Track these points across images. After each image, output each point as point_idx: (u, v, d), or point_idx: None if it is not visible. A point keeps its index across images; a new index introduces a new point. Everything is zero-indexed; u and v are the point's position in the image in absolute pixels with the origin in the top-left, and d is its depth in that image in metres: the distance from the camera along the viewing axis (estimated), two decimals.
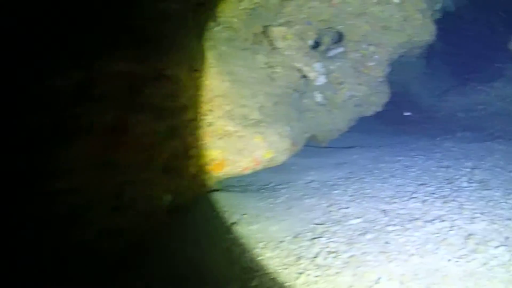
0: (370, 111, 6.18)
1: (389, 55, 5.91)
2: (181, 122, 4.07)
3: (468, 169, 5.62)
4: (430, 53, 9.31)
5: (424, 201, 4.62)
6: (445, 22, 8.86)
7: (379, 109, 6.21)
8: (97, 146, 3.17)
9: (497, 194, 4.79)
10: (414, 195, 4.80)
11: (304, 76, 5.34)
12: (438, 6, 7.53)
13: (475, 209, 4.36)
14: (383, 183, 5.26)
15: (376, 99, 6.05)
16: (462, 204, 4.47)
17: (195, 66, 4.24)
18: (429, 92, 8.98)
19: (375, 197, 4.85)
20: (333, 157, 6.68)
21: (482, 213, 4.27)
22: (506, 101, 7.41)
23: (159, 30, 3.77)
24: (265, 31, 5.06)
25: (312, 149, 6.93)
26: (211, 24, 4.44)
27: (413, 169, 5.75)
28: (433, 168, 5.76)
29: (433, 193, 4.82)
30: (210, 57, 4.41)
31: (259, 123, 4.66)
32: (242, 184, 5.48)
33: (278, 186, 5.41)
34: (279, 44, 5.08)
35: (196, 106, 4.30)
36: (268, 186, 5.48)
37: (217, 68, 4.42)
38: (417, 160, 6.17)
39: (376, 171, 5.75)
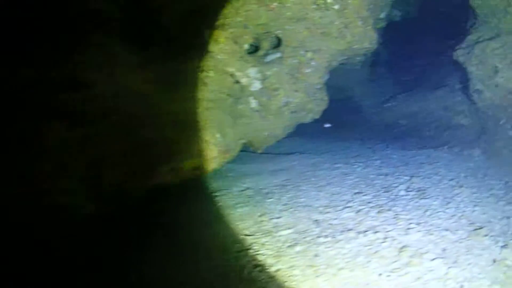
0: (308, 118, 5.87)
1: (327, 62, 5.64)
2: (100, 129, 3.70)
3: (407, 177, 5.41)
4: (375, 61, 9.19)
5: (358, 210, 4.36)
6: (391, 31, 8.76)
7: (317, 116, 5.91)
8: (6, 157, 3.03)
9: (435, 203, 4.59)
10: (349, 204, 4.54)
11: (238, 82, 4.99)
12: (382, 15, 7.34)
13: (411, 219, 4.14)
14: (319, 191, 4.98)
15: (313, 106, 5.76)
16: (397, 214, 4.23)
17: (118, 71, 3.87)
18: (372, 100, 8.84)
19: (309, 206, 4.58)
20: (272, 163, 6.37)
21: (418, 223, 4.04)
22: (448, 110, 7.29)
23: (74, 32, 3.49)
24: (199, 34, 4.69)
25: (251, 155, 6.59)
26: (142, 26, 4.07)
27: (351, 177, 5.49)
28: (372, 176, 5.52)
29: (369, 202, 4.58)
30: (135, 60, 4.03)
31: (185, 129, 4.29)
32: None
33: (212, 194, 5.03)
34: (212, 47, 4.73)
35: (118, 112, 3.90)
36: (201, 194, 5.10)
37: (143, 72, 4.03)
38: (356, 167, 5.92)
39: (313, 179, 5.46)
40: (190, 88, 4.52)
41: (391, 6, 7.23)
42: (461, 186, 5.06)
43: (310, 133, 8.41)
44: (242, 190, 5.23)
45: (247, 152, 6.03)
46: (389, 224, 4.02)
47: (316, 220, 4.17)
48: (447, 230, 3.95)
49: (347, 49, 5.69)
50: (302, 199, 4.76)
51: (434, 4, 9.47)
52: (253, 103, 5.33)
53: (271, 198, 4.91)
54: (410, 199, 4.70)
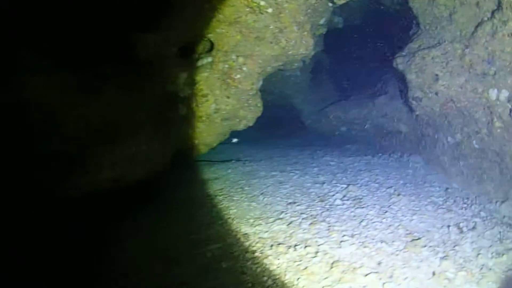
0: (241, 125, 5.53)
1: (260, 68, 5.31)
2: None
3: (344, 185, 5.14)
4: (316, 67, 8.96)
5: (290, 222, 4.04)
6: (333, 38, 8.55)
7: (251, 123, 5.57)
8: None
9: (371, 212, 4.33)
10: (281, 216, 4.22)
11: (168, 87, 4.58)
12: (322, 21, 7.09)
13: (345, 231, 3.85)
14: (252, 201, 4.62)
15: (246, 113, 5.43)
16: (331, 225, 3.94)
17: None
18: (313, 106, 8.57)
19: (240, 218, 4.18)
20: (206, 172, 5.95)
21: (352, 235, 3.75)
22: (387, 117, 7.10)
23: None
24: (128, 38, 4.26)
25: (184, 164, 6.16)
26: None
27: (286, 186, 5.17)
28: (308, 184, 5.23)
29: (302, 213, 4.26)
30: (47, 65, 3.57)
31: (104, 139, 3.85)
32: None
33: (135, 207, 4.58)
34: (140, 51, 4.30)
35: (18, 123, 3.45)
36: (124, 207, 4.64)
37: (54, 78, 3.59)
38: (293, 175, 5.61)
39: (247, 188, 5.12)
40: (113, 95, 4.06)
41: (332, 12, 6.97)
42: (399, 194, 4.82)
43: (249, 139, 8.08)
44: (170, 202, 4.79)
45: (181, 160, 5.60)
46: (321, 237, 3.71)
47: (245, 234, 3.80)
48: (382, 241, 3.68)
49: (282, 54, 5.37)
50: (233, 211, 4.39)
51: (378, 12, 9.32)
52: (183, 110, 4.92)
53: (201, 209, 4.49)
54: (346, 208, 4.42)
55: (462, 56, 4.82)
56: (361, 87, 8.31)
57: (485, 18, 4.59)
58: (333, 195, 4.85)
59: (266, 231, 3.87)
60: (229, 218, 4.24)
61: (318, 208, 4.43)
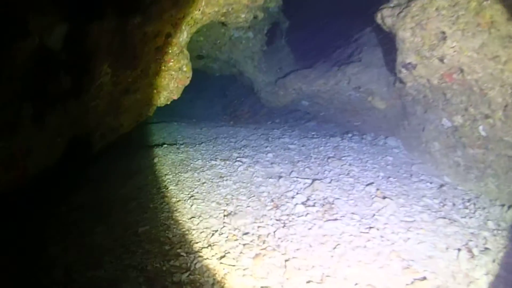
0: (160, 98, 3.94)
1: (183, 13, 3.64)
2: None
3: (308, 181, 3.65)
4: (273, 30, 7.25)
5: (223, 255, 2.48)
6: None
7: (175, 96, 3.95)
8: None
9: (348, 229, 2.89)
10: (211, 240, 2.70)
11: None
12: None
13: (311, 269, 2.34)
14: (174, 211, 3.06)
15: (166, 82, 3.75)
16: (289, 259, 2.44)
17: None
18: (268, 76, 6.87)
19: (142, 248, 2.59)
20: (128, 160, 4.34)
21: (321, 280, 2.22)
22: (360, 90, 5.54)
23: None
24: None
25: (105, 148, 4.54)
26: None
27: (228, 181, 3.70)
28: (258, 179, 3.76)
29: (246, 233, 2.74)
30: None
31: None
32: None
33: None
34: None
35: None
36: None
37: None
38: (239, 165, 4.07)
39: (173, 188, 3.56)
40: None
41: None
42: (384, 197, 3.32)
43: (192, 116, 6.47)
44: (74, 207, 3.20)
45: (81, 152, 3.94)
46: (273, 285, 2.15)
47: (147, 279, 2.22)
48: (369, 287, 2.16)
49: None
50: (142, 229, 2.79)
51: None
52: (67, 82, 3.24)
53: (109, 217, 2.91)
54: (311, 222, 2.95)
55: (479, 9, 3.27)
56: (327, 53, 6.68)
57: None
58: (293, 196, 3.35)
59: (186, 271, 2.28)
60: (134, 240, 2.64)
61: (270, 222, 2.92)
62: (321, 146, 4.80)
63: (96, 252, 2.64)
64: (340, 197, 3.38)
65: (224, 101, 8.09)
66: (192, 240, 2.66)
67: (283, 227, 2.86)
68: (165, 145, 4.81)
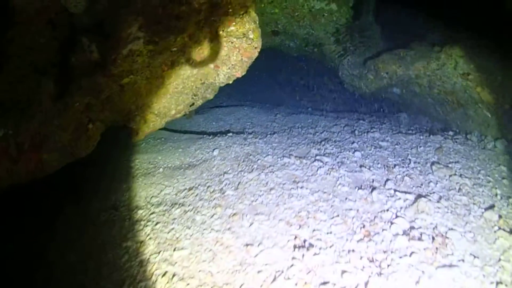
0: (219, 76, 2.96)
1: None
2: None
3: (411, 197, 2.60)
4: (360, 4, 6.11)
5: None
6: None
7: (239, 72, 2.99)
8: None
9: None
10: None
11: None
12: None
13: None
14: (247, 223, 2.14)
15: (228, 53, 2.80)
16: None
17: None
18: (354, 57, 5.73)
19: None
20: (185, 152, 3.53)
21: None
22: (469, 77, 4.34)
23: None
24: None
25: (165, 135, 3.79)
26: None
27: (303, 191, 2.73)
28: (344, 188, 2.73)
29: None
30: None
31: None
32: None
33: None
34: None
35: None
36: None
37: None
38: (319, 166, 3.10)
39: (231, 192, 2.62)
40: None
41: None
42: (511, 230, 2.28)
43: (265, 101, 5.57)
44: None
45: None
46: None
47: None
48: None
49: None
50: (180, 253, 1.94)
51: None
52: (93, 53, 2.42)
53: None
54: (417, 268, 1.97)
55: None
56: (429, 28, 5.48)
57: None
58: (391, 221, 2.36)
59: None
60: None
61: (361, 263, 2.00)
62: (420, 146, 3.76)
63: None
64: (454, 227, 2.35)
65: (301, 85, 7.10)
66: (243, 284, 1.76)
67: (378, 275, 1.90)
68: (230, 134, 3.95)
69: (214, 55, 2.57)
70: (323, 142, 3.81)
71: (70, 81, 2.18)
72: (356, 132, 4.20)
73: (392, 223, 2.36)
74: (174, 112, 2.88)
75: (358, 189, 2.81)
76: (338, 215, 2.43)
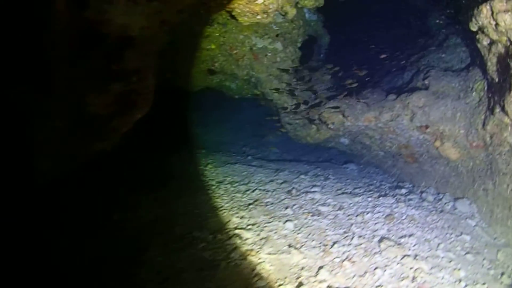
0: None
1: None
2: None
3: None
4: (309, 45, 5.53)
5: None
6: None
7: None
8: None
9: None
10: None
11: None
12: None
13: None
14: None
15: None
16: None
17: None
18: (297, 106, 4.90)
19: None
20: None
21: None
22: (427, 131, 3.79)
23: None
24: None
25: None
26: None
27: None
28: (262, 284, 1.97)
29: None
30: None
31: None
32: None
33: None
34: None
35: None
36: None
37: None
38: (232, 246, 2.31)
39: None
40: None
41: None
42: None
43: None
44: None
45: None
46: None
47: None
48: None
49: None
50: None
51: None
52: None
53: None
54: None
55: None
56: (379, 75, 4.85)
57: None
58: None
59: None
60: None
61: None
62: (367, 213, 3.08)
63: None
64: None
65: (242, 130, 6.35)
66: None
67: None
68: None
69: None
70: (250, 206, 3.05)
71: None
72: (294, 191, 3.48)
73: None
74: None
75: (279, 286, 2.03)
76: None
